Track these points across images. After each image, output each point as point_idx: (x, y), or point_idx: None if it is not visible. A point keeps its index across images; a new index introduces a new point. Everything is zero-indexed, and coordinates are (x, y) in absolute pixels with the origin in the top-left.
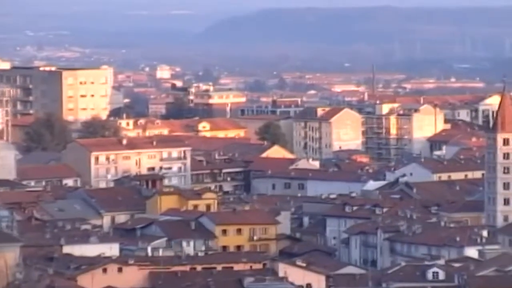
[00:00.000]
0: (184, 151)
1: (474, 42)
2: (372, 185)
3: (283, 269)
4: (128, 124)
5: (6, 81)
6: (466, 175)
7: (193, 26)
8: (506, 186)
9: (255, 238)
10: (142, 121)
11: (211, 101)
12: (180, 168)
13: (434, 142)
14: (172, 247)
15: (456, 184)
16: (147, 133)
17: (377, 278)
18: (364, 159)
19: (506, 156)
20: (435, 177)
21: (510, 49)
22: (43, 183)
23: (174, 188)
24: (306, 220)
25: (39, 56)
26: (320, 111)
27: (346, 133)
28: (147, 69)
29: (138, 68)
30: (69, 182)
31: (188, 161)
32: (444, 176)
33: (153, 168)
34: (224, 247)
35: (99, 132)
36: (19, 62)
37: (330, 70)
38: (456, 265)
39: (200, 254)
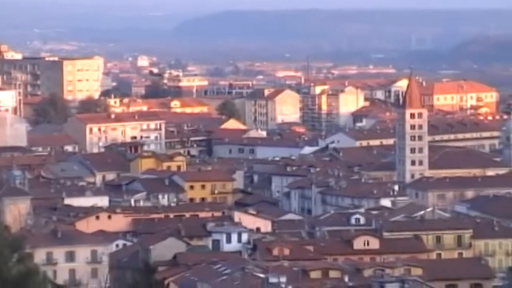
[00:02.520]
0: (160, 124)
1: (387, 37)
2: (307, 150)
3: (238, 216)
4: (115, 102)
5: (18, 68)
6: (381, 142)
7: (166, 24)
8: (412, 150)
9: (215, 192)
10: (126, 100)
11: (180, 84)
12: (156, 137)
13: (356, 116)
14: (150, 199)
15: (373, 149)
16: (130, 110)
17: (312, 223)
18: (301, 130)
19: (412, 127)
20: (357, 144)
21: (415, 43)
22: (48, 149)
23: (152, 152)
24: (256, 177)
25: (45, 49)
26: (266, 92)
27: (287, 109)
28: (130, 59)
29: (123, 58)
30: (69, 148)
31: (163, 131)
32: (364, 143)
33: (135, 137)
34: (191, 199)
35: (92, 109)
36: (29, 53)
37: (274, 60)
38: (374, 212)
39: (172, 204)
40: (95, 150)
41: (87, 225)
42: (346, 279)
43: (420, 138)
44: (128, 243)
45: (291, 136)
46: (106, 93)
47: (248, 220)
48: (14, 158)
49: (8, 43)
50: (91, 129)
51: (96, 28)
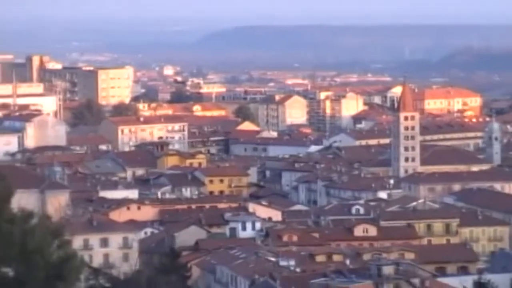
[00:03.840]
0: (183, 126)
1: (383, 49)
2: (313, 148)
3: (252, 207)
4: (144, 107)
5: (58, 77)
6: (378, 141)
7: (188, 38)
8: (406, 149)
9: (232, 185)
10: (153, 105)
11: (201, 90)
12: (180, 137)
13: (356, 118)
14: (175, 192)
15: (371, 148)
16: (157, 113)
17: (317, 213)
18: (308, 131)
19: (406, 128)
20: (357, 143)
21: (408, 54)
22: (85, 148)
23: (176, 151)
24: (267, 173)
25: (82, 60)
26: (277, 98)
27: (295, 113)
28: (157, 68)
29: (151, 67)
30: (103, 147)
31: (186, 132)
32: (363, 142)
33: (161, 137)
34: (211, 192)
35: (123, 112)
36: (68, 64)
37: (284, 69)
38: (372, 203)
39: (194, 197)
40: (126, 149)
41: (119, 215)
42: (348, 262)
43: (412, 138)
44: (155, 231)
45: (299, 136)
46: (135, 99)
47: (261, 211)
48: (55, 156)
49: (49, 54)
50: (122, 130)
51: (127, 41)
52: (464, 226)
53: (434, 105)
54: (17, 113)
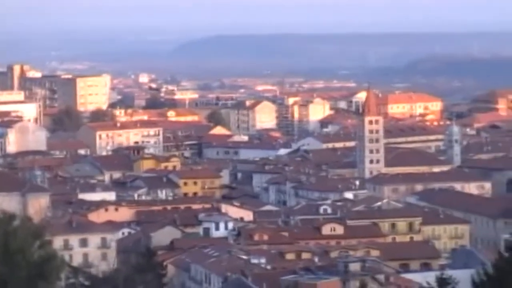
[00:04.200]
0: (158, 130)
1: (350, 56)
2: (282, 151)
3: (224, 207)
4: (120, 113)
5: (38, 85)
6: (344, 144)
7: (163, 47)
8: (370, 151)
9: (205, 187)
10: (129, 111)
11: (175, 97)
12: (155, 141)
13: (323, 122)
14: (151, 194)
15: (338, 150)
16: (133, 119)
17: (287, 213)
18: (277, 134)
19: (370, 131)
20: (324, 146)
21: (373, 61)
22: (64, 152)
23: (151, 154)
24: (239, 175)
25: (61, 68)
26: (247, 103)
27: (265, 117)
28: (132, 76)
29: (127, 75)
30: (82, 151)
31: (161, 137)
32: (330, 145)
33: (137, 142)
34: (185, 194)
35: (101, 118)
36: (47, 72)
37: (254, 76)
38: (338, 203)
39: (169, 198)
40: (104, 153)
41: (97, 216)
42: (316, 259)
43: (377, 140)
44: (132, 231)
45: (269, 140)
46: (112, 105)
47: (233, 211)
48: (36, 160)
49: (29, 63)
50: (100, 136)
51: (104, 50)
52: (427, 224)
53: (397, 109)
54: None
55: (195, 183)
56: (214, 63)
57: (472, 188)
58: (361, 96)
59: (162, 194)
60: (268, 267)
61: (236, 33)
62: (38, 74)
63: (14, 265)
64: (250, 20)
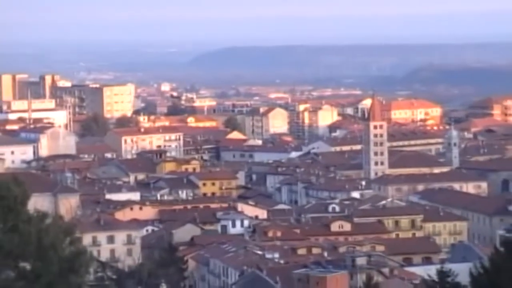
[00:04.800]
0: (179, 135)
1: (355, 66)
2: (294, 154)
3: (240, 206)
4: (144, 119)
5: (68, 93)
6: (351, 147)
7: (183, 58)
8: (375, 154)
9: (223, 187)
10: (152, 117)
11: (194, 104)
12: (176, 145)
13: (331, 127)
14: (172, 194)
15: (345, 153)
16: (156, 125)
17: (298, 211)
18: (289, 139)
19: (375, 135)
20: (332, 149)
21: (376, 71)
22: (92, 156)
23: (173, 158)
24: (254, 176)
25: (89, 78)
26: (261, 110)
27: (277, 123)
28: (155, 85)
29: (150, 84)
30: (108, 155)
31: (181, 141)
32: (338, 148)
33: (159, 146)
34: (204, 194)
35: (126, 124)
36: (76, 82)
37: (267, 84)
38: (346, 202)
39: (189, 198)
40: (129, 156)
41: (123, 215)
42: (325, 254)
43: (381, 144)
44: (155, 229)
45: (281, 144)
46: (136, 112)
47: (249, 210)
48: (66, 163)
49: (60, 74)
50: (125, 140)
51: (129, 62)
52: (428, 221)
53: (399, 115)
54: (32, 126)
55: (213, 184)
56: (229, 73)
57: (469, 187)
58: (366, 103)
59: (182, 194)
60: (281, 261)
61: (248, 44)
62: (68, 84)
63: (47, 260)
64: (261, 33)
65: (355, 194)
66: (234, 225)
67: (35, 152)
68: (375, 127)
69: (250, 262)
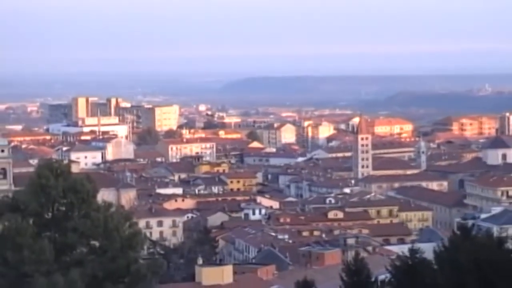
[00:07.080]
0: (212, 144)
1: (346, 92)
2: (300, 159)
3: (259, 199)
4: (186, 132)
5: (128, 112)
6: (344, 154)
7: (215, 85)
8: (362, 159)
9: (246, 184)
10: (192, 130)
11: (224, 120)
12: (210, 152)
13: (329, 139)
14: (207, 189)
15: (339, 159)
16: (195, 136)
17: (303, 203)
18: (296, 147)
19: (362, 145)
20: (329, 156)
21: (364, 95)
22: (146, 160)
23: (207, 161)
24: (269, 176)
25: (144, 100)
26: (275, 125)
27: (287, 135)
28: (194, 106)
29: (190, 105)
30: (159, 159)
31: (214, 149)
32: (334, 155)
33: (198, 152)
34: (231, 189)
35: (172, 136)
36: (135, 103)
37: (280, 106)
38: (340, 196)
39: (220, 192)
40: (174, 160)
41: (169, 205)
42: (324, 236)
43: (367, 152)
44: (194, 216)
45: (290, 151)
46: (180, 127)
47: (265, 201)
48: (126, 166)
49: (122, 97)
50: (171, 148)
51: (174, 88)
52: (402, 211)
53: (381, 130)
54: (100, 137)
55: (238, 181)
56: (251, 97)
57: (434, 185)
58: (356, 120)
59: (215, 189)
60: (290, 241)
61: (266, 75)
62: (128, 105)
63: (111, 239)
64: (275, 66)
65: (347, 190)
66: (254, 213)
67: (103, 156)
68: (362, 139)
69: (266, 242)
